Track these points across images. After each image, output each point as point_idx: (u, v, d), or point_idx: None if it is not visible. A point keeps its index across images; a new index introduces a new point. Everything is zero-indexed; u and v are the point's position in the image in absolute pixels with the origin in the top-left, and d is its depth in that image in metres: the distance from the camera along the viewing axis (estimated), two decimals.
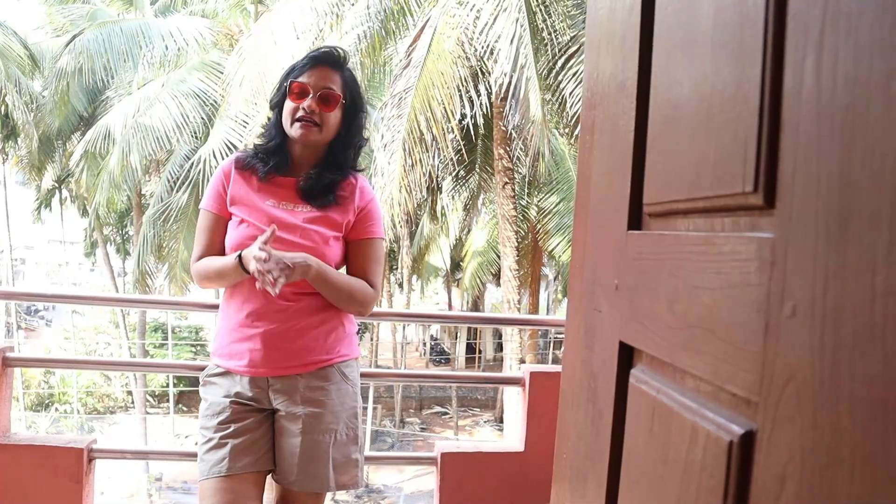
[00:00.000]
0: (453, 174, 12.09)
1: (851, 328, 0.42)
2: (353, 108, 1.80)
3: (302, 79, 1.72)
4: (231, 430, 1.68)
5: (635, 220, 0.80)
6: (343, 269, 1.84)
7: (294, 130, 1.72)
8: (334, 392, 1.74)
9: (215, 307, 2.67)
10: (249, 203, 1.73)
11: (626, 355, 0.80)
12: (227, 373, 1.74)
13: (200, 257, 1.78)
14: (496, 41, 8.04)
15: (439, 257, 20.00)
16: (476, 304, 22.13)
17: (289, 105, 1.73)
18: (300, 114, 1.70)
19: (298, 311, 1.70)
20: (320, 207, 1.74)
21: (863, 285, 0.41)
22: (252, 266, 1.56)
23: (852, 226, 0.42)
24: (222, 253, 1.76)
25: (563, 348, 1.10)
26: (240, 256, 1.64)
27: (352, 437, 1.77)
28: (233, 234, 1.73)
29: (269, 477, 1.77)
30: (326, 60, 1.76)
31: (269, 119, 1.84)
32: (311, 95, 1.71)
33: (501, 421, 18.36)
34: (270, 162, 1.75)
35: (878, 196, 0.40)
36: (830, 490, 0.43)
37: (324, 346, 1.74)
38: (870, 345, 0.40)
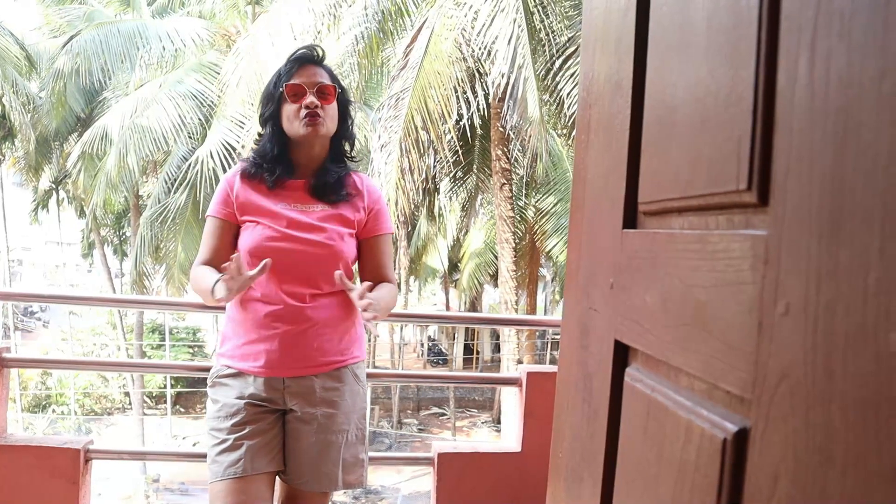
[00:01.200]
0: (451, 175, 12.09)
1: (844, 327, 0.42)
2: (345, 98, 1.84)
3: (293, 81, 1.74)
4: (246, 431, 1.68)
5: (631, 218, 0.80)
6: (352, 268, 1.86)
7: (302, 128, 1.72)
8: (347, 393, 1.76)
9: (212, 308, 2.67)
10: (262, 208, 1.74)
11: (622, 354, 0.80)
12: (238, 374, 1.73)
13: (201, 263, 1.78)
14: (493, 42, 8.04)
15: (437, 258, 20.00)
16: (474, 305, 22.13)
17: (289, 108, 1.74)
18: (304, 112, 1.72)
19: (315, 313, 1.72)
20: (332, 204, 1.77)
21: (855, 284, 0.41)
22: (226, 290, 1.58)
23: (845, 224, 0.42)
24: (225, 259, 1.75)
25: (559, 348, 1.10)
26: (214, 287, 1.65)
27: (360, 438, 1.80)
28: (248, 237, 1.73)
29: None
30: (309, 59, 1.79)
31: (259, 135, 1.84)
32: (308, 92, 1.73)
33: (499, 421, 18.36)
34: (276, 170, 1.76)
35: (870, 195, 0.40)
36: (823, 488, 0.43)
37: (338, 348, 1.76)
38: (862, 344, 0.40)
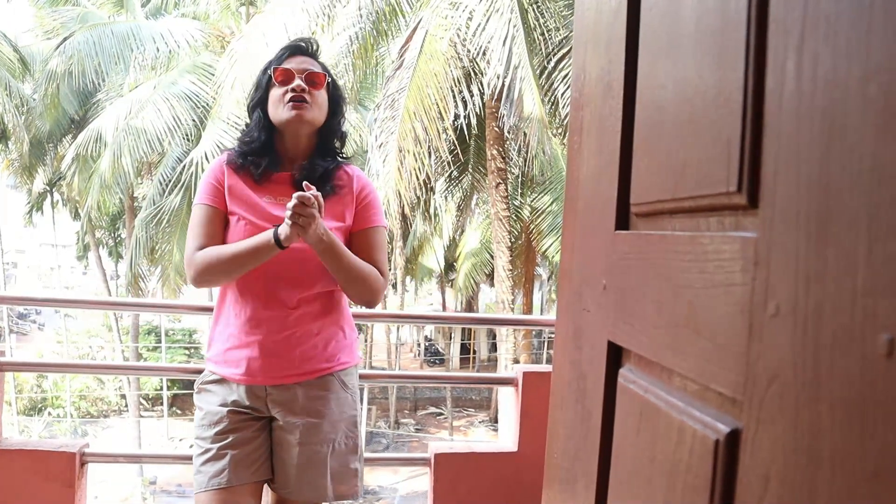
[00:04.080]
0: (446, 175, 12.09)
1: (832, 328, 0.42)
2: (336, 91, 1.79)
3: (283, 66, 1.70)
4: (230, 440, 1.64)
5: (623, 220, 0.80)
6: None
7: (286, 112, 1.66)
8: (333, 401, 1.71)
9: (208, 310, 2.66)
10: (248, 201, 1.68)
11: (615, 355, 0.80)
12: (222, 380, 1.69)
13: (202, 248, 1.66)
14: (489, 42, 8.05)
15: (433, 258, 19.98)
16: (470, 305, 22.13)
17: (276, 92, 1.69)
18: (290, 95, 1.66)
19: (298, 319, 1.66)
20: None
21: (843, 285, 0.41)
22: (290, 212, 1.48)
23: (832, 226, 0.43)
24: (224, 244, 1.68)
25: (553, 348, 1.10)
26: (276, 233, 1.54)
27: (351, 447, 1.74)
28: (231, 235, 1.66)
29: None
30: (302, 49, 1.75)
31: (247, 125, 1.79)
32: (296, 76, 1.68)
33: (496, 421, 18.32)
34: (262, 161, 1.70)
35: (856, 196, 0.41)
36: (812, 489, 0.43)
37: (323, 355, 1.70)
38: (849, 345, 0.40)
